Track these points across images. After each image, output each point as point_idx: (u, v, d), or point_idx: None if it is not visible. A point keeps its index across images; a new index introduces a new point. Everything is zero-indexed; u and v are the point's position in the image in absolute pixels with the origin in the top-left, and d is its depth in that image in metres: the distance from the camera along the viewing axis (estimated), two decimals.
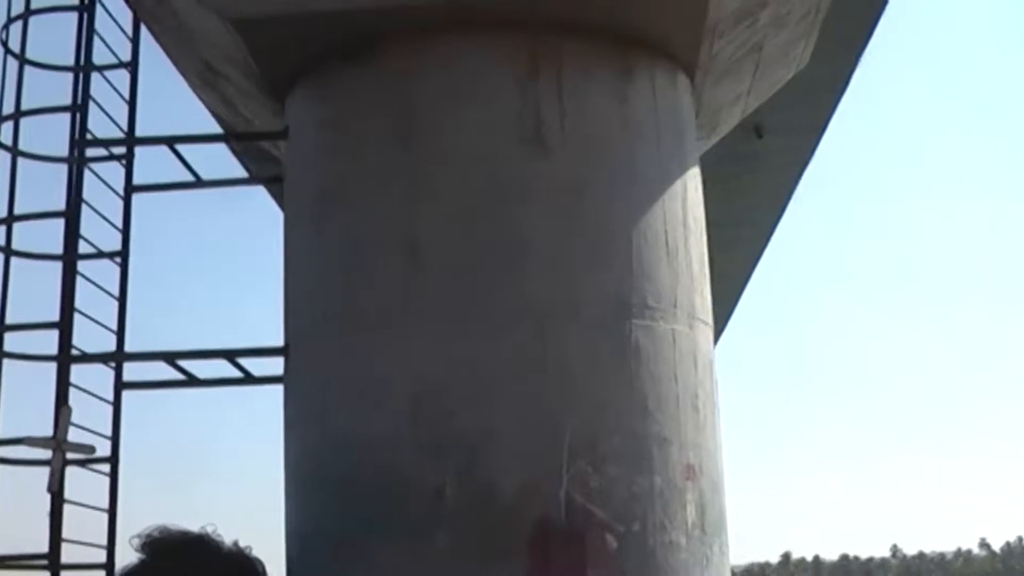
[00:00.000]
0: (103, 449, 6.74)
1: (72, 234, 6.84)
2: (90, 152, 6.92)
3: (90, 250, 6.80)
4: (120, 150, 7.00)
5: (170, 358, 6.51)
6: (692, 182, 6.35)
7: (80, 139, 6.71)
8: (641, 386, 5.66)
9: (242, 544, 5.83)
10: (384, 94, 5.93)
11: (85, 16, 7.11)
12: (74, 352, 6.49)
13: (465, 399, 5.48)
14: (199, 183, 7.03)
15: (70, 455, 6.28)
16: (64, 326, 6.52)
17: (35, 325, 6.55)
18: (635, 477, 5.54)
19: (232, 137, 6.76)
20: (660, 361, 5.78)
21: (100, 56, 7.23)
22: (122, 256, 6.98)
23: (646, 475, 5.57)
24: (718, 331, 24.21)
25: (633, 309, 5.73)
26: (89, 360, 6.73)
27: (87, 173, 6.89)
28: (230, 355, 6.46)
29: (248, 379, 6.58)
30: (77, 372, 6.75)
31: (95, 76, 7.17)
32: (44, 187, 7.03)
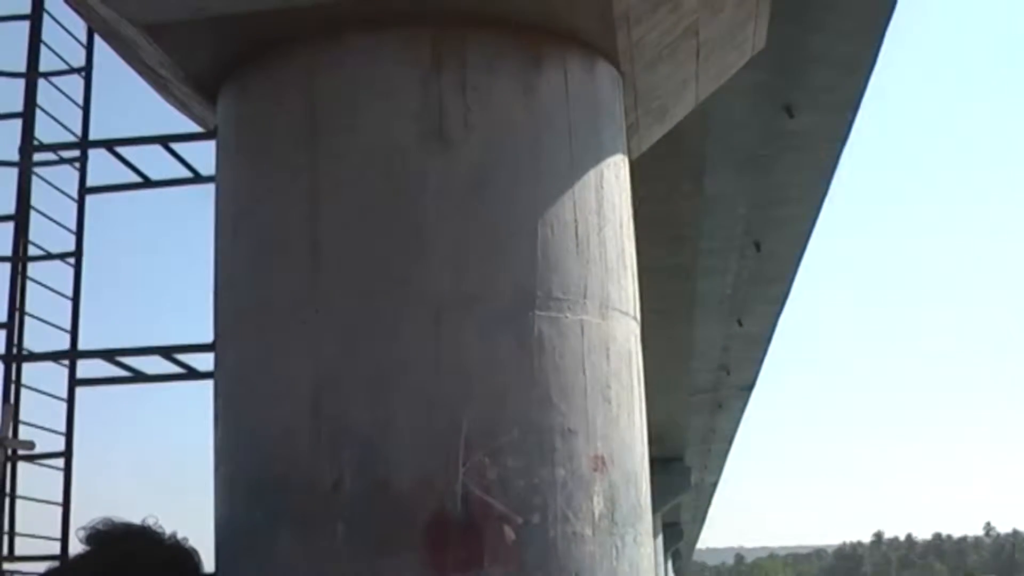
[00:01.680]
0: (58, 445, 6.97)
1: (21, 237, 7.07)
2: (42, 156, 7.13)
3: (40, 252, 7.00)
4: (72, 153, 7.20)
5: (110, 356, 6.69)
6: (612, 170, 6.32)
7: (26, 144, 6.92)
8: (544, 378, 5.66)
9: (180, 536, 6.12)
10: (291, 94, 6.01)
11: (37, 24, 7.33)
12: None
13: (361, 393, 5.55)
14: (148, 183, 7.20)
15: (21, 452, 6.51)
16: (12, 326, 6.74)
17: None
18: (536, 469, 5.55)
19: (167, 139, 6.89)
20: (566, 353, 5.77)
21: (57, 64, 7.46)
22: (75, 257, 7.20)
23: (548, 467, 5.57)
24: (775, 312, 24.17)
25: (537, 301, 5.73)
26: (38, 359, 6.95)
27: (43, 177, 7.12)
28: (166, 351, 6.62)
29: (191, 374, 6.74)
30: (36, 371, 6.98)
31: (54, 82, 7.39)
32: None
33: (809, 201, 21.94)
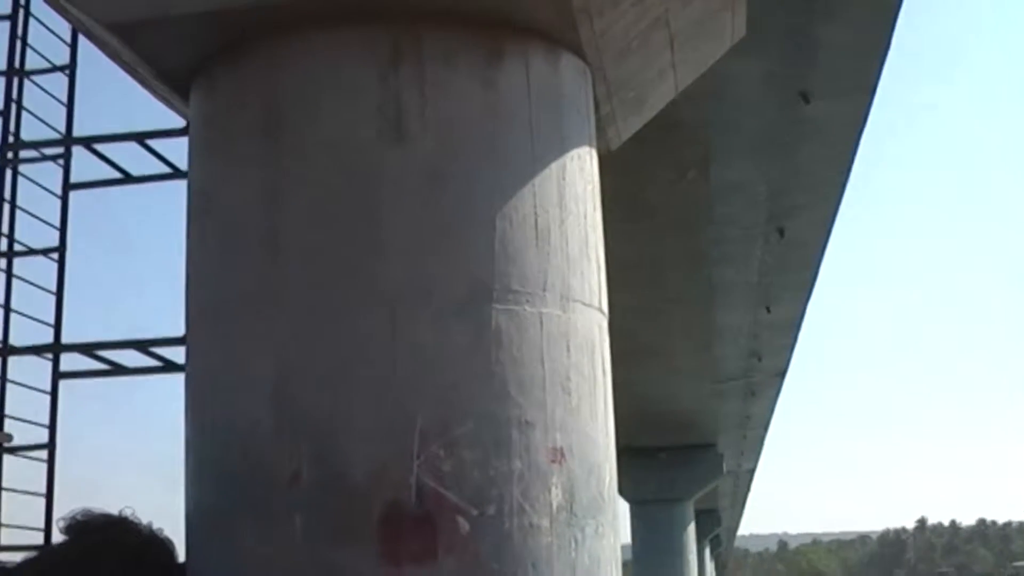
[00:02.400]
0: (42, 437, 7.10)
1: (8, 234, 7.20)
2: (26, 154, 7.25)
3: (18, 248, 7.12)
4: (56, 150, 7.32)
5: (89, 350, 6.81)
6: (576, 162, 6.34)
7: (6, 141, 7.05)
8: (501, 370, 5.71)
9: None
10: (254, 91, 6.08)
11: (18, 23, 7.45)
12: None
13: (318, 385, 5.62)
14: (129, 179, 7.32)
15: (5, 444, 6.64)
16: None
17: None
18: (491, 461, 5.59)
19: (143, 136, 6.99)
20: (524, 345, 5.81)
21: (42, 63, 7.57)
22: (59, 252, 7.32)
23: (504, 459, 5.62)
24: (803, 298, 24.10)
25: (495, 294, 5.77)
26: (22, 352, 7.08)
27: (23, 174, 7.25)
28: (142, 345, 6.73)
29: (168, 367, 6.84)
30: (21, 364, 7.11)
31: (40, 80, 7.51)
32: None
33: (830, 187, 21.80)
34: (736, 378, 39.71)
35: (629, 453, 42.50)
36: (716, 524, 69.41)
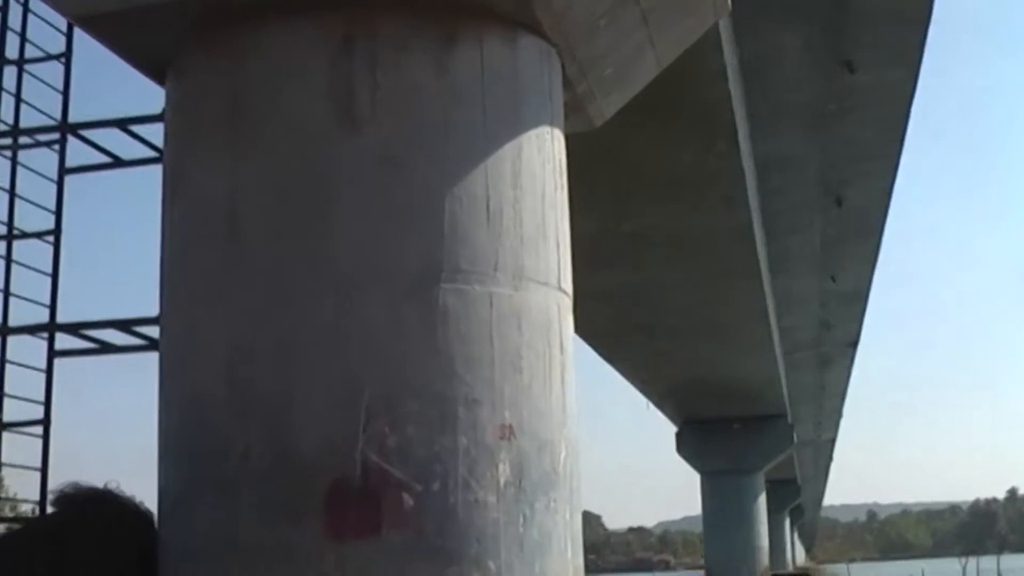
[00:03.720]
0: (38, 413, 7.38)
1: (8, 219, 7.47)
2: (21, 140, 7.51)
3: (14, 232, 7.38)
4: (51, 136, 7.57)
5: (75, 329, 7.08)
6: (534, 143, 6.41)
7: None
8: (448, 349, 5.83)
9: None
10: (217, 78, 6.25)
11: (6, 12, 7.69)
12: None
13: (270, 363, 5.79)
14: (120, 163, 7.56)
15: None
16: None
17: None
18: (437, 437, 5.73)
19: (126, 122, 7.22)
20: (473, 324, 5.93)
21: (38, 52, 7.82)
22: (55, 236, 7.57)
23: (450, 435, 5.75)
24: (869, 267, 24.01)
25: (443, 274, 5.89)
26: (17, 332, 7.37)
27: (20, 159, 7.51)
28: (124, 324, 6.98)
29: (152, 346, 7.08)
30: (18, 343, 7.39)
31: (36, 68, 7.76)
32: None
33: (884, 157, 21.60)
34: (807, 348, 39.46)
35: (697, 424, 42.51)
36: (796, 495, 68.96)
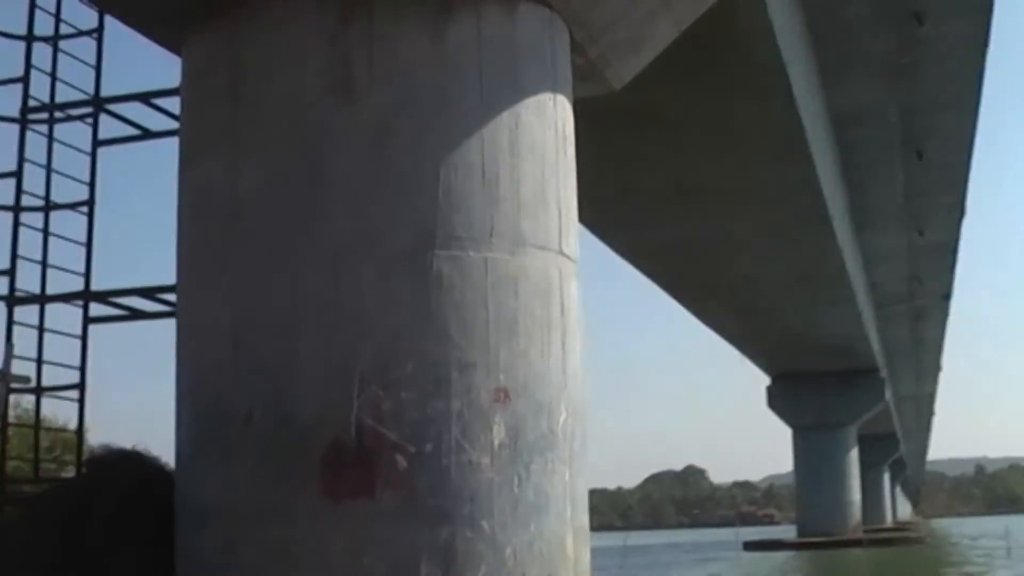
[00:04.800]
0: (74, 378, 7.70)
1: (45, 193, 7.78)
2: (40, 116, 7.80)
3: (35, 203, 7.67)
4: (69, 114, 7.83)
5: (103, 297, 7.38)
6: (534, 110, 6.48)
7: (24, 105, 7.59)
8: (442, 314, 5.96)
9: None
10: (219, 56, 6.43)
11: None
12: (20, 294, 7.42)
13: (271, 331, 6.00)
14: (149, 135, 7.82)
15: (13, 384, 7.27)
16: (13, 271, 7.46)
17: None
18: (430, 400, 5.88)
19: (148, 95, 7.46)
20: (468, 289, 6.05)
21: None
22: (88, 206, 7.86)
23: (443, 399, 5.89)
24: (955, 220, 23.61)
25: (437, 240, 6.02)
26: (52, 300, 7.68)
27: (41, 133, 7.79)
28: (148, 292, 7.26)
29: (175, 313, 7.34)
30: (65, 311, 7.70)
31: (68, 45, 8.03)
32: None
33: (962, 109, 21.15)
34: (899, 302, 38.85)
35: (788, 379, 42.17)
36: (895, 449, 68.08)
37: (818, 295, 26.63)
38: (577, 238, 6.87)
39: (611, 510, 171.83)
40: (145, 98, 7.48)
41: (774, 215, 19.53)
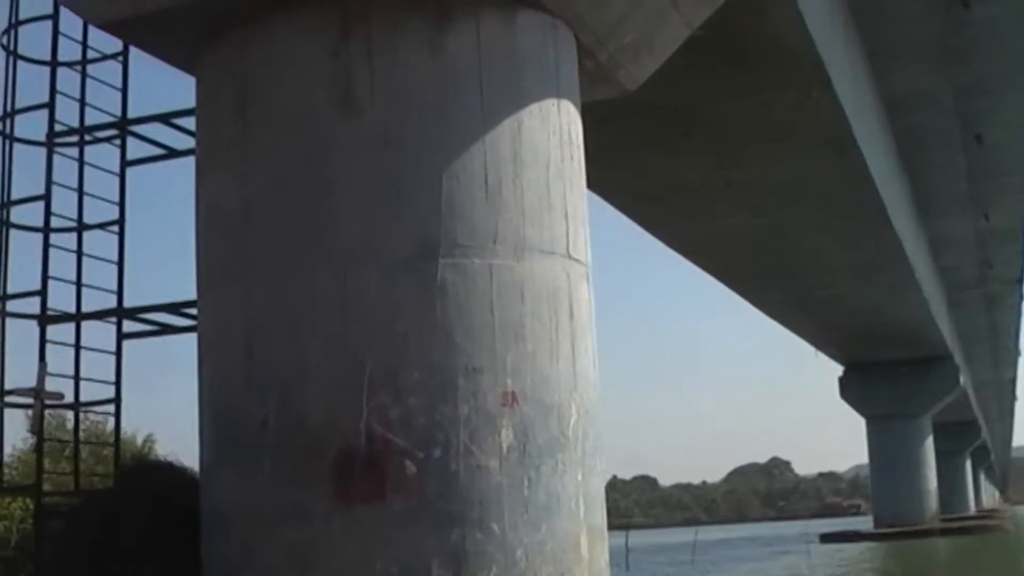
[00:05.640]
0: (109, 392, 7.93)
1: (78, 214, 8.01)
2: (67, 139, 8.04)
3: (64, 224, 7.89)
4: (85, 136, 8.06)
5: (131, 314, 7.61)
6: (537, 116, 6.56)
7: (50, 130, 7.84)
8: (447, 321, 6.08)
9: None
10: (228, 76, 6.61)
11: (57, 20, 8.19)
12: (51, 312, 7.66)
13: (282, 340, 6.16)
14: (174, 154, 8.04)
15: (48, 401, 7.51)
16: (44, 292, 7.70)
17: (20, 294, 7.74)
18: (438, 406, 6.00)
19: (168, 116, 7.67)
20: (473, 296, 6.16)
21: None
22: (119, 225, 8.08)
23: (450, 404, 6.01)
24: (1021, 204, 23.23)
25: (441, 248, 6.14)
26: (88, 317, 7.91)
27: (67, 155, 8.03)
28: (174, 307, 7.47)
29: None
30: (90, 328, 7.92)
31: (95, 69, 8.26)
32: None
33: (1020, 87, 20.77)
34: (969, 287, 38.24)
35: (860, 369, 41.72)
36: (976, 436, 66.92)
37: (881, 284, 26.32)
38: (587, 241, 6.94)
39: (696, 504, 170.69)
40: (166, 119, 7.68)
41: (826, 206, 19.38)
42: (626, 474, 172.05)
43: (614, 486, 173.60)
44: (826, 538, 45.25)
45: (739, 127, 15.66)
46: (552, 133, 6.70)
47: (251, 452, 6.15)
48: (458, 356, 6.09)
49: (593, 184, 18.15)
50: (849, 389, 42.48)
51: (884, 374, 40.27)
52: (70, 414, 8.01)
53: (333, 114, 6.25)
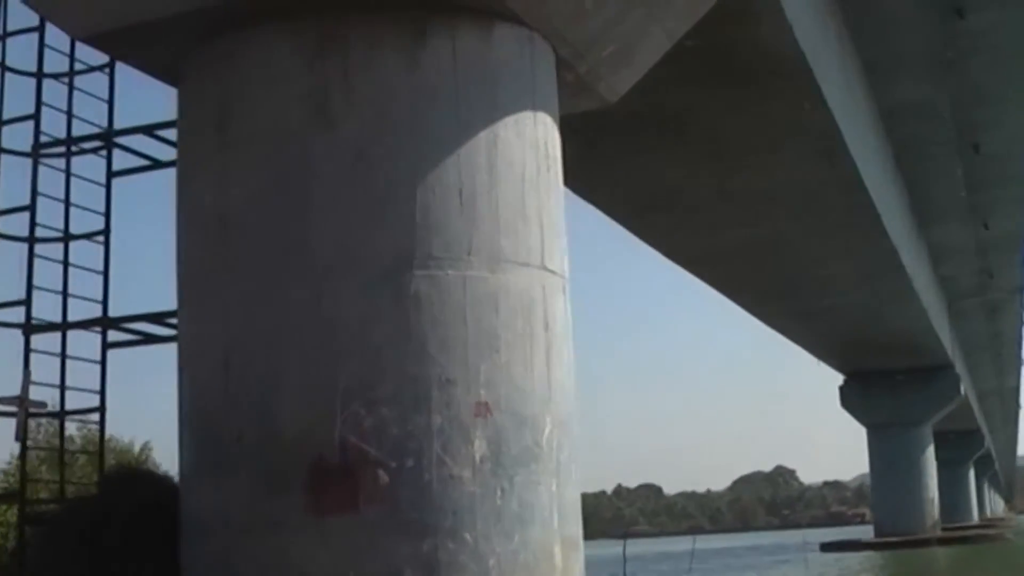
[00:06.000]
0: (94, 401, 8.00)
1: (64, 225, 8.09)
2: (55, 149, 8.12)
3: (48, 234, 7.96)
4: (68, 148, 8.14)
5: (114, 323, 7.68)
6: (513, 128, 6.62)
7: (36, 141, 7.92)
8: (421, 332, 6.14)
9: None
10: (208, 88, 6.69)
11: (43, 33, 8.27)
12: (35, 322, 7.74)
13: (259, 352, 6.23)
14: (159, 165, 8.11)
15: (32, 409, 7.58)
16: (29, 301, 7.77)
17: (5, 304, 7.82)
18: (410, 417, 6.06)
19: (151, 128, 7.75)
20: (447, 307, 6.22)
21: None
22: (104, 236, 8.16)
23: (423, 415, 6.07)
24: (1021, 213, 23.19)
25: (415, 261, 6.20)
26: (73, 327, 7.98)
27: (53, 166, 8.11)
28: (157, 317, 7.54)
29: None
30: (74, 337, 8.00)
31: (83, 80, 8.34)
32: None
33: (1016, 98, 20.81)
34: (971, 296, 38.22)
35: (860, 378, 41.66)
36: (979, 444, 66.78)
37: (878, 293, 26.32)
38: (564, 253, 7.00)
39: (700, 513, 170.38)
40: (148, 130, 7.75)
41: (821, 216, 19.42)
42: (631, 482, 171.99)
43: (619, 494, 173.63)
44: (827, 547, 45.14)
45: (733, 138, 15.74)
46: (528, 145, 6.77)
47: (228, 462, 6.22)
48: (432, 367, 6.15)
49: (588, 195, 18.38)
50: (850, 398, 42.40)
51: (884, 383, 40.19)
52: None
53: (310, 128, 6.32)
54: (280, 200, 6.32)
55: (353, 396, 6.04)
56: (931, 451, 42.83)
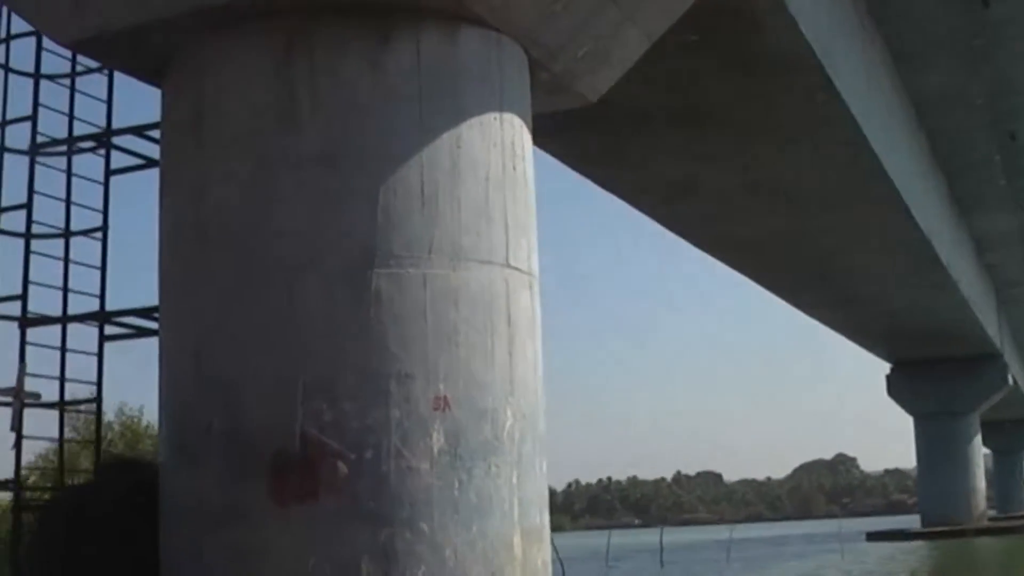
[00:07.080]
0: (91, 393, 8.31)
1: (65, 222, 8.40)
2: (55, 148, 8.42)
3: (45, 231, 8.27)
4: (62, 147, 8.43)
5: (110, 317, 7.97)
6: (477, 129, 6.79)
7: (33, 141, 8.22)
8: (381, 328, 6.35)
9: None
10: (184, 94, 6.92)
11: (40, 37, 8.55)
12: (30, 315, 8.04)
13: (228, 348, 6.46)
14: (154, 163, 8.37)
15: (27, 401, 7.89)
16: (25, 295, 8.08)
17: (2, 298, 8.13)
18: (370, 411, 6.27)
19: (141, 128, 8.01)
20: (407, 304, 6.41)
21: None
22: (103, 232, 8.46)
23: (382, 408, 6.28)
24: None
25: (377, 260, 6.40)
26: (76, 320, 8.28)
27: (51, 166, 8.42)
28: (145, 312, 7.82)
29: None
30: (74, 331, 8.31)
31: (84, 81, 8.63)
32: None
33: None
34: (1019, 284, 37.82)
35: (907, 367, 41.38)
36: None
37: (914, 283, 26.18)
38: (532, 250, 7.15)
39: (759, 501, 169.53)
40: (139, 131, 8.01)
41: (847, 207, 19.38)
42: (690, 470, 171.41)
43: (678, 482, 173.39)
44: (873, 536, 44.97)
45: (752, 130, 15.81)
46: (493, 145, 6.92)
47: (199, 453, 6.46)
48: (391, 363, 6.35)
49: (613, 186, 18.49)
50: (896, 387, 42.17)
51: (930, 372, 39.94)
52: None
53: (277, 131, 6.54)
54: (249, 201, 6.53)
55: (315, 391, 6.25)
56: (978, 441, 42.49)
